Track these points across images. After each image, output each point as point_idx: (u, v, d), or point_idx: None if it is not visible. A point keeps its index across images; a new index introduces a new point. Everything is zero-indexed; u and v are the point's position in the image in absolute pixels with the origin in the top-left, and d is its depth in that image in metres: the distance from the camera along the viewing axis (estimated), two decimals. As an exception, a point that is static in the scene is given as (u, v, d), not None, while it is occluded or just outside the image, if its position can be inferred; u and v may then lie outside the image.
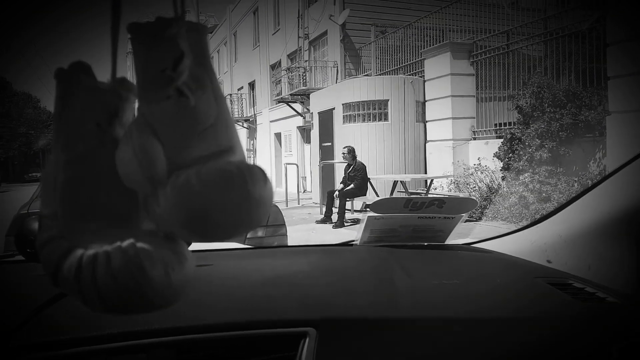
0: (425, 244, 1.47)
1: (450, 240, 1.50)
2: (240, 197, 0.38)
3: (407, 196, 1.37)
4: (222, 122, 0.40)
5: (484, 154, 8.71)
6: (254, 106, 23.25)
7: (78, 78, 0.42)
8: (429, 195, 8.04)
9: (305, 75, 15.47)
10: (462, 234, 1.58)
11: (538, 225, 1.43)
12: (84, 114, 0.42)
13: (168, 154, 0.39)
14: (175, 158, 0.39)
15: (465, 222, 1.47)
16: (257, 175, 0.39)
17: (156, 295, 0.40)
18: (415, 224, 1.42)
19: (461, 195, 8.27)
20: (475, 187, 8.69)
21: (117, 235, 0.40)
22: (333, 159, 10.83)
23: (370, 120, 10.54)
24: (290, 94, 15.85)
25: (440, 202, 1.39)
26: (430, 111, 10.44)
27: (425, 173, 10.47)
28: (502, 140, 8.26)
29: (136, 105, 0.42)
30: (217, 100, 0.40)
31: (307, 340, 0.85)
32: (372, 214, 1.40)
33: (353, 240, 1.53)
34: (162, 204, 0.39)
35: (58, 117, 0.43)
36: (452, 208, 1.40)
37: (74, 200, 0.43)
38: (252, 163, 0.39)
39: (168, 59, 0.38)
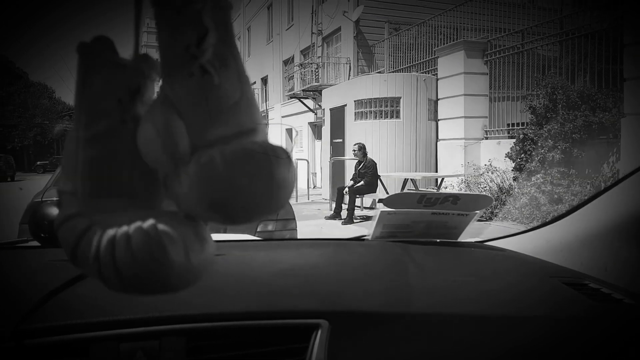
0: (438, 240, 1.45)
1: (461, 240, 1.48)
2: (264, 177, 0.37)
3: (421, 191, 1.37)
4: (245, 102, 0.39)
5: (496, 154, 8.65)
6: (266, 101, 23.29)
7: (100, 53, 0.41)
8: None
9: (317, 72, 15.47)
10: (472, 234, 1.57)
11: (554, 224, 1.41)
12: (105, 89, 0.41)
13: (190, 132, 0.38)
14: (197, 137, 0.38)
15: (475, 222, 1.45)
16: (281, 155, 0.38)
17: (175, 277, 0.39)
18: (429, 220, 1.41)
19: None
20: (485, 187, 8.64)
21: (137, 215, 0.39)
22: (344, 156, 10.82)
23: (382, 117, 10.51)
24: (303, 90, 15.85)
25: (455, 199, 1.37)
26: (443, 110, 10.39)
27: (436, 172, 10.42)
28: (514, 140, 8.19)
29: (159, 83, 0.41)
30: (241, 80, 0.40)
31: (320, 332, 0.84)
32: (385, 208, 1.38)
33: (365, 235, 1.52)
34: (184, 184, 0.38)
35: (79, 92, 0.42)
36: (467, 205, 1.39)
37: (94, 178, 0.42)
38: (275, 144, 0.38)
39: (192, 35, 0.37)
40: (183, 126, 0.38)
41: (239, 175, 0.37)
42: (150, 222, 0.38)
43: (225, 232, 1.97)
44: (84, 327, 0.78)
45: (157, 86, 0.42)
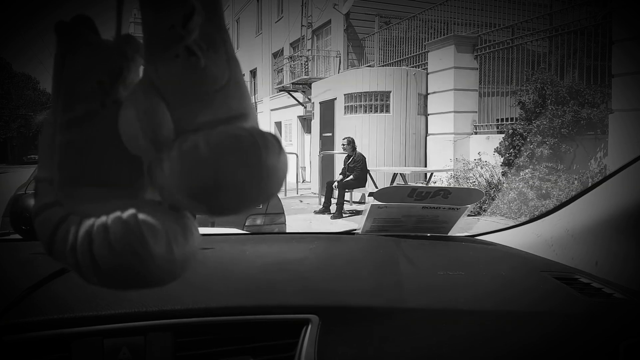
0: (429, 234, 1.45)
1: (452, 234, 1.47)
2: (251, 164, 0.34)
3: (412, 185, 1.35)
4: (234, 86, 0.37)
5: (485, 148, 8.69)
6: (255, 94, 23.18)
7: (80, 32, 0.39)
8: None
9: (307, 65, 15.41)
10: (461, 229, 1.56)
11: (544, 219, 1.41)
12: (85, 71, 0.39)
13: (174, 118, 0.35)
14: (182, 122, 0.35)
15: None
16: (270, 142, 0.35)
17: (157, 271, 0.37)
18: (420, 214, 1.40)
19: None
20: (474, 181, 8.68)
21: (117, 204, 0.37)
22: (333, 150, 10.81)
23: (371, 111, 10.50)
24: (292, 83, 15.79)
25: (446, 193, 1.36)
26: (433, 104, 10.40)
27: (426, 166, 10.45)
28: (503, 135, 8.24)
29: (142, 66, 0.38)
30: (230, 62, 0.37)
31: (310, 327, 0.83)
32: (375, 202, 1.37)
33: (355, 229, 1.51)
34: (167, 171, 0.35)
35: (57, 74, 0.40)
36: (458, 199, 1.38)
37: (72, 164, 0.39)
38: (266, 130, 0.36)
39: (177, 14, 0.35)
40: (166, 110, 0.35)
41: (224, 162, 0.34)
42: (130, 211, 0.36)
43: (213, 225, 1.95)
44: (66, 323, 0.76)
45: (141, 69, 0.40)
